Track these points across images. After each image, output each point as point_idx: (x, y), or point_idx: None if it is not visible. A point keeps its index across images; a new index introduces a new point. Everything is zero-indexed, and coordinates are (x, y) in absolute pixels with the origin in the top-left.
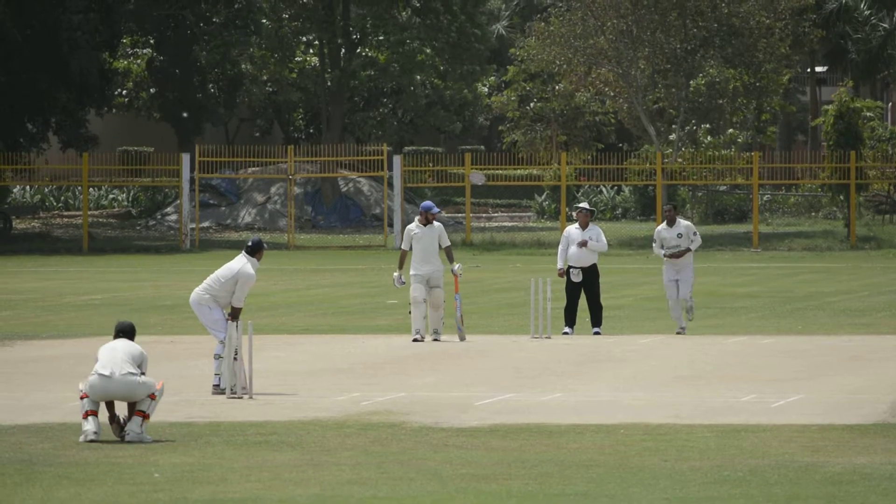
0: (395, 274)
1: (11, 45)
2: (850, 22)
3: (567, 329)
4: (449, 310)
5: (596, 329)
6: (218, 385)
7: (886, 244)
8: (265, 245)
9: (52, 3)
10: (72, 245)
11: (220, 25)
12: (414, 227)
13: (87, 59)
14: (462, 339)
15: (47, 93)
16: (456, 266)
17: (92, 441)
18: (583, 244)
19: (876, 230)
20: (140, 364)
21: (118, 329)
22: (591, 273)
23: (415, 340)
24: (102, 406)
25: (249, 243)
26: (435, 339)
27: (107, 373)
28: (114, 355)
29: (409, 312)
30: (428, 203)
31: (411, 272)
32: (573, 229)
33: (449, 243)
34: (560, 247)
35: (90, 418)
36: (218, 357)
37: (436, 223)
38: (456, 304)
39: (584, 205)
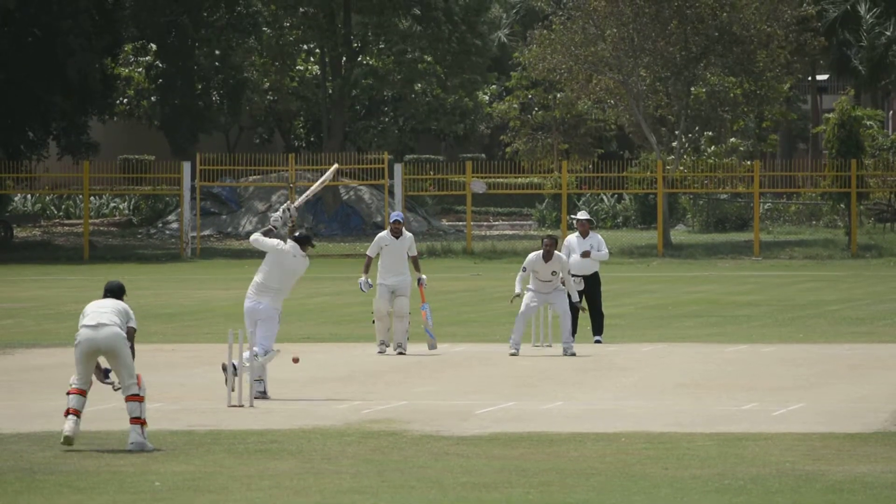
0: (362, 279)
1: (9, 52)
2: (853, 30)
3: None
4: (419, 319)
5: (597, 337)
6: (263, 392)
7: (887, 253)
8: (313, 243)
9: (48, 10)
10: (73, 253)
11: (218, 28)
12: (386, 236)
13: (84, 63)
14: (432, 347)
15: (46, 99)
16: (422, 276)
17: (68, 437)
18: (585, 255)
19: (877, 238)
20: (128, 321)
21: (106, 289)
22: (592, 281)
23: (379, 353)
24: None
25: (296, 234)
26: (400, 353)
27: (93, 323)
28: (100, 310)
29: (373, 322)
30: (398, 213)
31: (378, 281)
32: (574, 238)
33: (416, 253)
34: (562, 256)
35: (71, 417)
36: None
37: (407, 233)
38: (424, 314)
39: (583, 214)
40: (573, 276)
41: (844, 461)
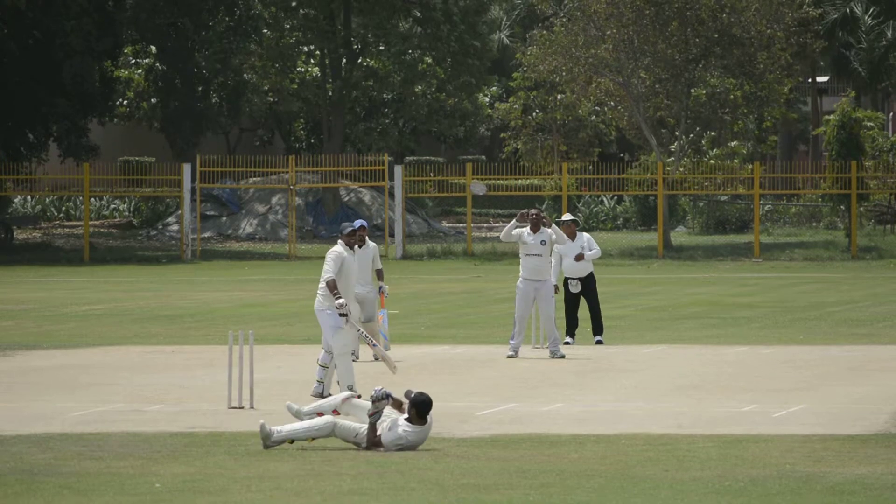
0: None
1: (10, 55)
2: (853, 32)
3: (568, 339)
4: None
5: (598, 338)
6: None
7: (887, 254)
8: (352, 229)
9: (50, 12)
10: (73, 255)
11: (219, 32)
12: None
13: (83, 66)
14: (385, 347)
15: (46, 101)
16: (384, 286)
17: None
18: (579, 258)
19: (877, 240)
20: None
21: (421, 401)
22: (588, 282)
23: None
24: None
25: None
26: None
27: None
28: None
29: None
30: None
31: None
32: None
33: (380, 266)
34: (552, 262)
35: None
36: (322, 366)
37: (371, 244)
38: (381, 318)
39: (567, 216)
40: (568, 278)
41: (845, 463)
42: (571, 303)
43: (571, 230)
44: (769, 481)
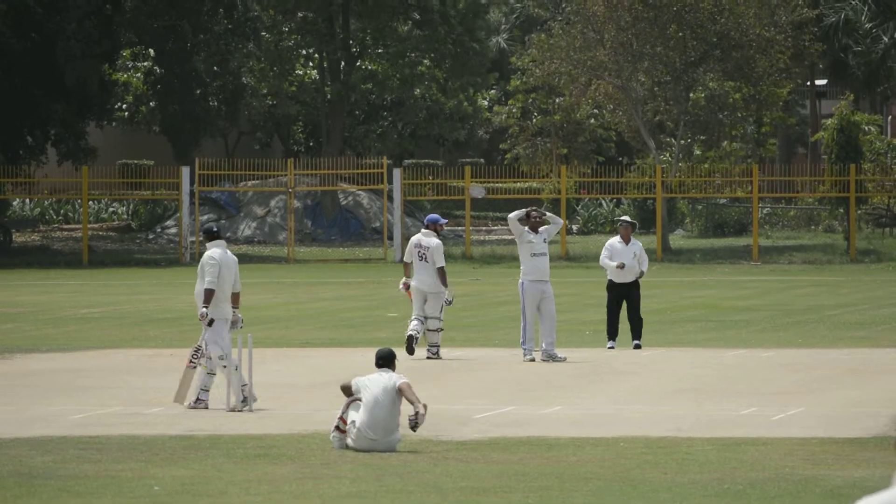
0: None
1: (11, 57)
2: (851, 35)
3: (612, 343)
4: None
5: (636, 342)
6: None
7: (886, 257)
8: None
9: (51, 14)
10: (71, 258)
11: (217, 35)
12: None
13: (84, 69)
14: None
15: (45, 104)
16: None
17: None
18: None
19: (875, 243)
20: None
21: (379, 356)
22: (632, 287)
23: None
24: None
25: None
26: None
27: (374, 437)
28: (382, 413)
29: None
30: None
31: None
32: (617, 243)
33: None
34: (603, 255)
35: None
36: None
37: (432, 241)
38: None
39: (626, 218)
40: (611, 281)
41: (844, 466)
42: (613, 306)
43: (628, 233)
44: (768, 484)
